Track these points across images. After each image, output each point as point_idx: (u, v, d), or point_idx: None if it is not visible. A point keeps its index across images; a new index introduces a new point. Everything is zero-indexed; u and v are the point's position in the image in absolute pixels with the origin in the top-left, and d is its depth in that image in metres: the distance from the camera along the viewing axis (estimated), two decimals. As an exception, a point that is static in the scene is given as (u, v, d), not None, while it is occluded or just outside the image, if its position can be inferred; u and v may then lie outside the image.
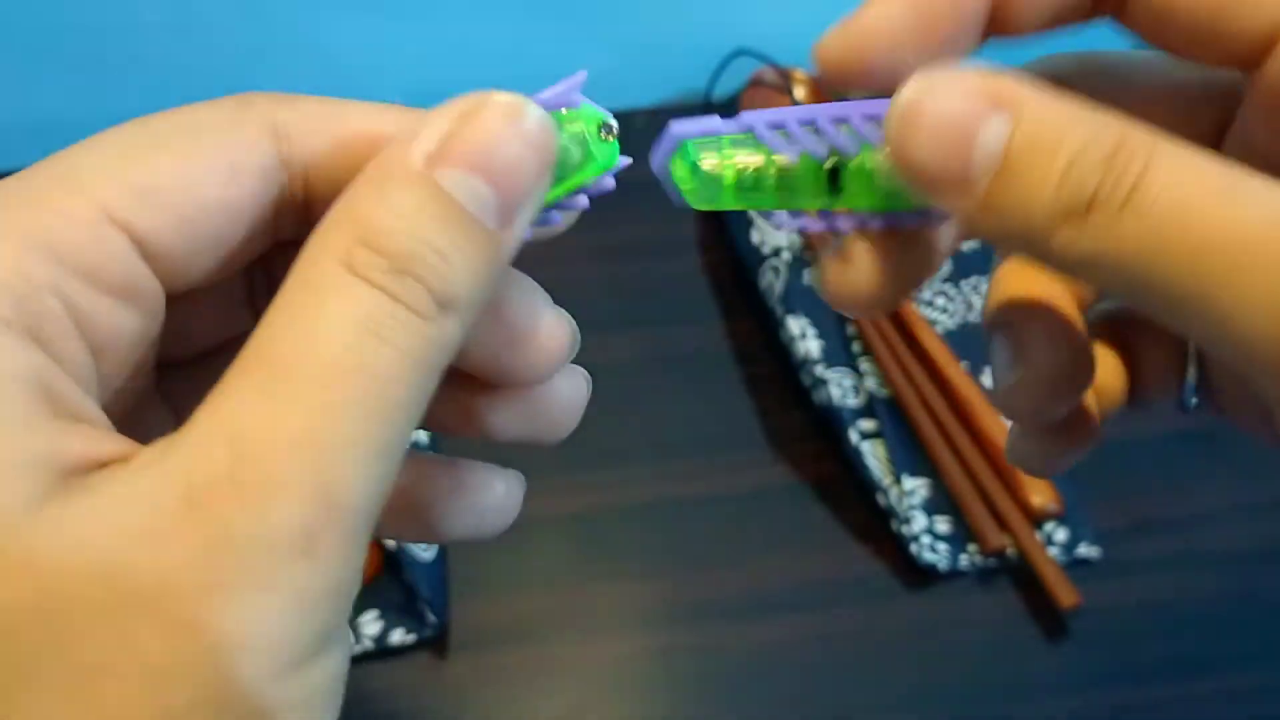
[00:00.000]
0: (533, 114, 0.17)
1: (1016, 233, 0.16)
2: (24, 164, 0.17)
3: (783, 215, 0.19)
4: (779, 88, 0.60)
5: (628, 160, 0.19)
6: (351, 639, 0.47)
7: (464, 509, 0.21)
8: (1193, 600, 0.47)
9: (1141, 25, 0.19)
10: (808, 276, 0.56)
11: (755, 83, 0.61)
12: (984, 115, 0.16)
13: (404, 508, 0.21)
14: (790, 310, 0.53)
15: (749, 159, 0.19)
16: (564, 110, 0.18)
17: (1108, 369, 0.24)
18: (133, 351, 0.18)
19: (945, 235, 0.21)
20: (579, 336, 0.21)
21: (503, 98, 0.17)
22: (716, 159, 0.19)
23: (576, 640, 0.46)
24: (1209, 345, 0.16)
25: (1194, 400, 0.23)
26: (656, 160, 0.19)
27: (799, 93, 0.62)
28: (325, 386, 0.15)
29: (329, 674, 0.15)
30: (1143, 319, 0.23)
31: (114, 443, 0.15)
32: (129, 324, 0.17)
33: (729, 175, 0.19)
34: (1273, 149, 0.19)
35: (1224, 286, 0.15)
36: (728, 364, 0.55)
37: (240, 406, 0.15)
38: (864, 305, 0.20)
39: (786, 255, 0.54)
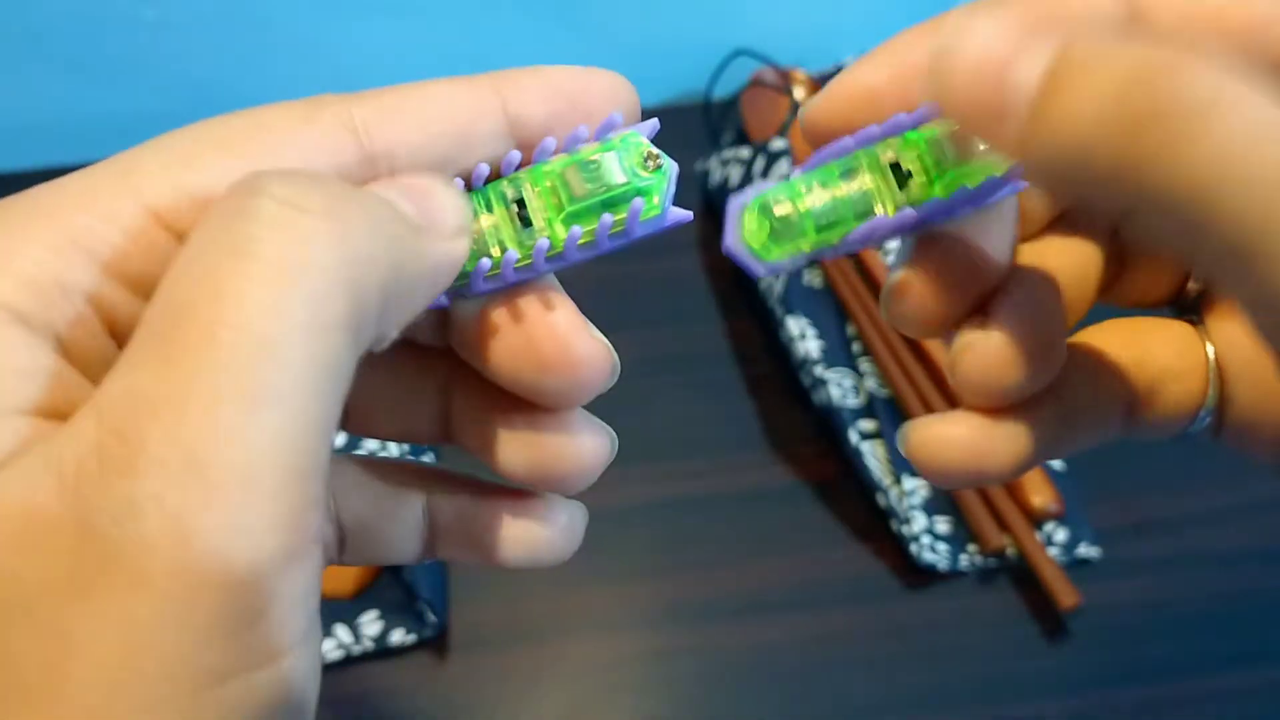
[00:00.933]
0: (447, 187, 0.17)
1: (1063, 160, 0.15)
2: (23, 164, 0.17)
3: (858, 235, 0.19)
4: (778, 88, 0.60)
5: (685, 214, 0.19)
6: (353, 638, 0.46)
7: (526, 538, 0.21)
8: (1193, 600, 0.47)
9: None
10: (807, 277, 0.56)
11: (755, 83, 0.61)
12: (1024, 40, 0.15)
13: (464, 536, 0.21)
14: (790, 310, 0.53)
15: (818, 195, 0.19)
16: (613, 137, 0.19)
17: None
18: None
19: (999, 244, 0.20)
20: (618, 366, 0.20)
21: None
22: (788, 202, 0.19)
23: (576, 640, 0.46)
24: (1261, 306, 0.14)
25: (1206, 420, 0.23)
26: (728, 235, 0.19)
27: (799, 93, 0.62)
28: (184, 330, 0.13)
29: (279, 688, 0.13)
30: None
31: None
32: None
33: (805, 214, 0.19)
34: None
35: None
36: (728, 364, 0.55)
37: (114, 374, 0.13)
38: (930, 328, 0.20)
39: (792, 269, 0.54)
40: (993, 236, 0.20)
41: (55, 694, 0.12)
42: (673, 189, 0.19)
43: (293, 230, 0.14)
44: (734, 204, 0.19)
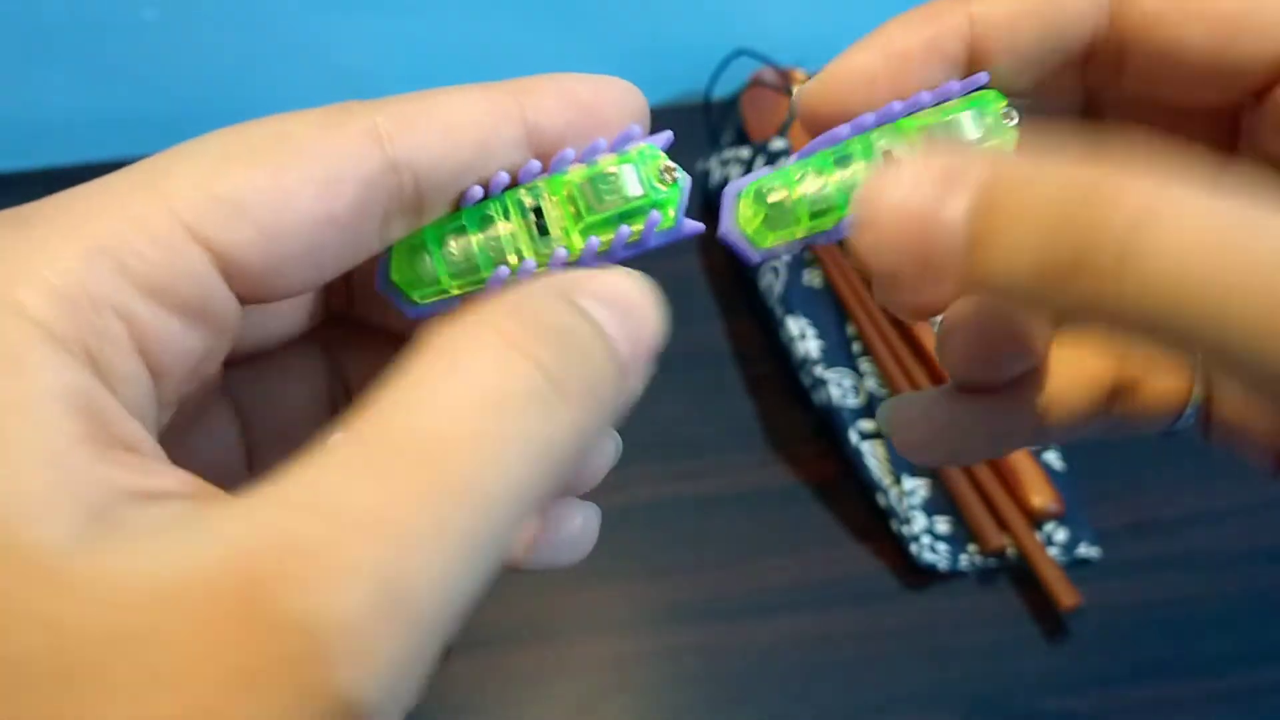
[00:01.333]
0: (645, 281, 0.18)
1: (1009, 299, 0.16)
2: (25, 164, 0.17)
3: (850, 221, 0.19)
4: (779, 88, 0.60)
5: (697, 225, 0.19)
6: None
7: (543, 541, 0.21)
8: (1193, 600, 0.47)
9: (1142, 76, 0.20)
10: (807, 277, 0.56)
11: (755, 83, 0.61)
12: (940, 197, 0.15)
13: None
14: (790, 310, 0.53)
15: (812, 182, 0.20)
16: (629, 147, 0.19)
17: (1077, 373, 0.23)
18: (199, 369, 0.17)
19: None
20: (619, 453, 0.21)
21: (621, 270, 0.17)
22: (783, 189, 0.20)
23: (576, 640, 0.46)
24: (1236, 378, 0.15)
25: (1192, 418, 0.23)
26: (723, 222, 0.20)
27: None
28: (423, 462, 0.13)
29: None
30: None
31: (164, 474, 0.15)
32: (198, 344, 0.16)
33: (799, 200, 0.20)
34: None
35: (1247, 330, 0.13)
36: (728, 364, 0.55)
37: (320, 475, 0.13)
38: (919, 313, 0.21)
39: (786, 256, 0.54)
40: None
41: None
42: (686, 201, 0.19)
43: (549, 416, 0.14)
44: (729, 190, 0.20)
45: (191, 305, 0.16)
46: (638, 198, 0.19)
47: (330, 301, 0.22)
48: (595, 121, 0.19)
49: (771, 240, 0.20)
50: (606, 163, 0.19)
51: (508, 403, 0.14)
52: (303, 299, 0.21)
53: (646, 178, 0.19)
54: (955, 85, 0.20)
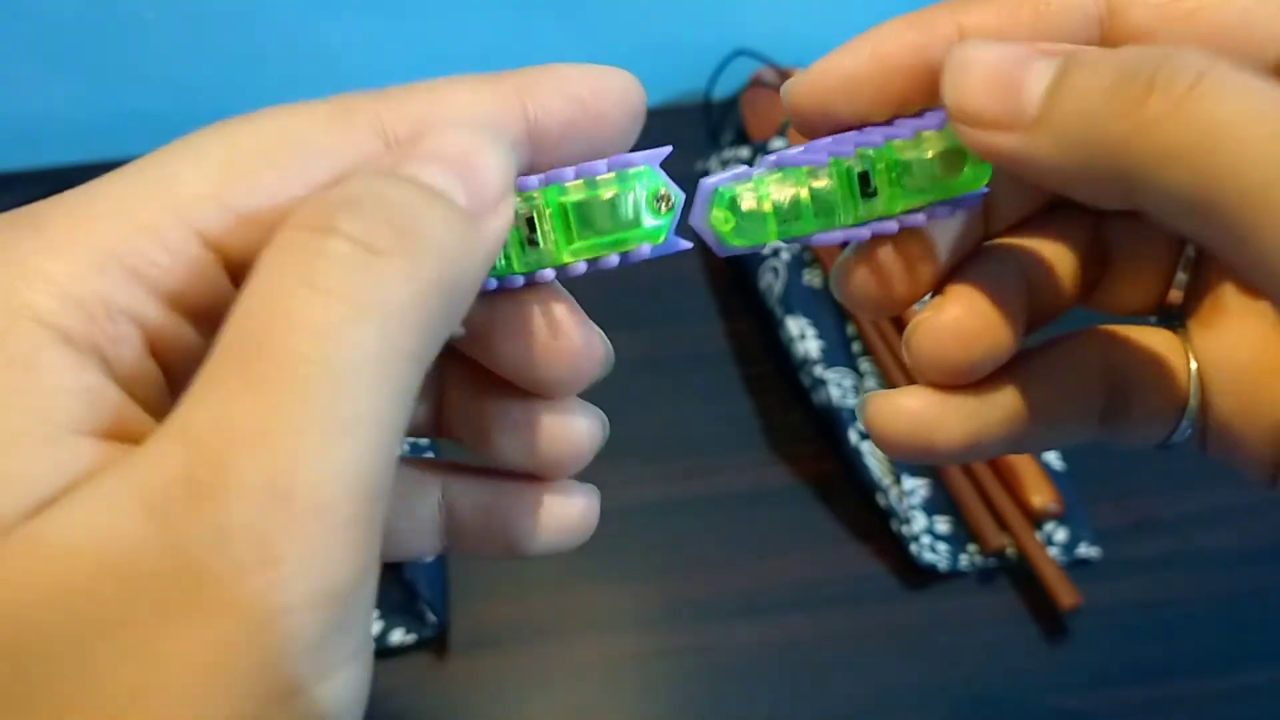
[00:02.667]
0: (486, 130, 0.17)
1: (1068, 146, 0.16)
2: (23, 163, 0.17)
3: (816, 239, 0.20)
4: (778, 88, 0.60)
5: (686, 244, 0.20)
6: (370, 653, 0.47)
7: (544, 525, 0.21)
8: (1193, 600, 0.47)
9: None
10: (807, 277, 0.56)
11: (755, 83, 0.61)
12: (1032, 57, 0.17)
13: (484, 527, 0.21)
14: (789, 311, 0.53)
15: (784, 190, 0.20)
16: (629, 170, 0.19)
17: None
18: None
19: (944, 235, 0.21)
20: (613, 358, 0.21)
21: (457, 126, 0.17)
22: (754, 197, 0.20)
23: (576, 640, 0.46)
24: (1250, 268, 0.15)
25: (1188, 431, 0.23)
26: (695, 214, 0.20)
27: (799, 93, 0.62)
28: (266, 361, 0.13)
29: (341, 695, 0.14)
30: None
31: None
32: (203, 342, 0.16)
33: (769, 209, 0.20)
34: None
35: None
36: (728, 364, 0.55)
37: (195, 400, 0.14)
38: (879, 306, 0.21)
39: (785, 256, 0.54)
40: (940, 228, 0.21)
41: (144, 713, 0.13)
42: (678, 218, 0.19)
43: (366, 272, 0.14)
44: (705, 185, 0.20)
45: (204, 309, 0.16)
46: (631, 225, 0.19)
47: None
48: (596, 119, 0.19)
49: (740, 243, 0.20)
50: (605, 186, 0.19)
51: (317, 279, 0.14)
52: None
53: (642, 205, 0.19)
54: (937, 116, 0.20)
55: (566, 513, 0.22)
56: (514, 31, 0.64)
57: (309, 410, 0.13)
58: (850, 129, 0.20)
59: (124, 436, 0.15)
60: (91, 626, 0.13)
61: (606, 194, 0.19)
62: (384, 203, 0.15)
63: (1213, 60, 0.15)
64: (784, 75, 0.61)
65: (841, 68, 0.20)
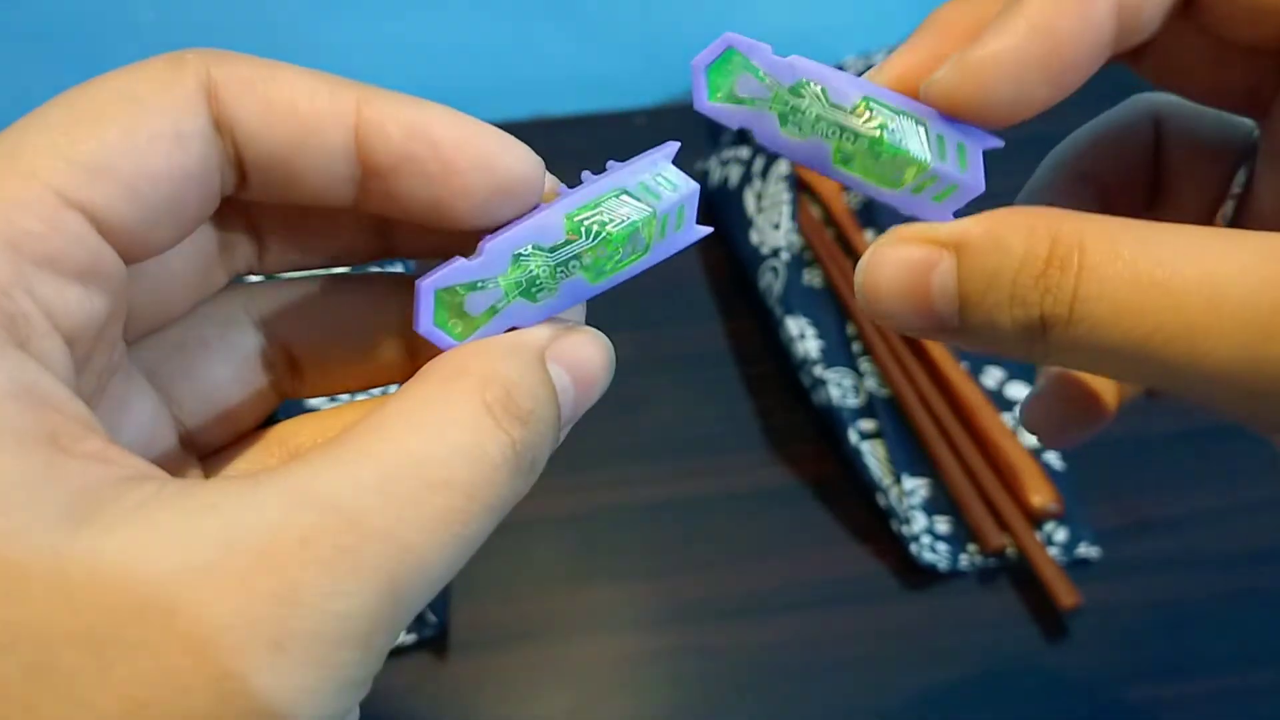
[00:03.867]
0: (609, 345, 0.20)
1: (1004, 352, 0.18)
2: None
3: (798, 147, 0.20)
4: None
5: (706, 229, 0.21)
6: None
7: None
8: (1193, 600, 0.47)
9: (1210, 10, 0.19)
10: (807, 277, 0.56)
11: (755, 83, 0.61)
12: (930, 263, 0.18)
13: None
14: (789, 311, 0.53)
15: (810, 102, 0.20)
16: (657, 187, 0.20)
17: None
18: (101, 333, 0.17)
19: None
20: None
21: (591, 329, 0.20)
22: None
23: (576, 640, 0.46)
24: (1210, 402, 0.17)
25: None
26: (703, 56, 0.20)
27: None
28: (433, 500, 0.15)
29: None
30: None
31: (120, 457, 0.15)
32: (96, 306, 0.17)
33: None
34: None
35: (1189, 349, 0.16)
36: (728, 364, 0.55)
37: (341, 483, 0.15)
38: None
39: (785, 256, 0.54)
40: None
41: None
42: (694, 209, 0.20)
43: (505, 485, 0.17)
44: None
45: (83, 269, 0.16)
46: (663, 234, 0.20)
47: (233, 264, 0.21)
48: (437, 163, 0.18)
49: (719, 96, 0.20)
50: (635, 210, 0.20)
51: (485, 465, 0.16)
52: (201, 265, 0.21)
53: (672, 214, 0.20)
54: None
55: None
56: (514, 31, 0.64)
57: (444, 552, 0.16)
58: None
59: (62, 426, 0.15)
60: (184, 639, 0.13)
61: (640, 215, 0.20)
62: (539, 425, 0.18)
63: (1082, 223, 0.17)
64: (784, 75, 0.61)
65: (1002, 49, 0.18)
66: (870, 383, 0.52)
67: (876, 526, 0.49)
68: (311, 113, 0.18)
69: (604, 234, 0.19)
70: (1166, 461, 0.51)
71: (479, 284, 0.19)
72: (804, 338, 0.52)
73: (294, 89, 0.18)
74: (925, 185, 0.19)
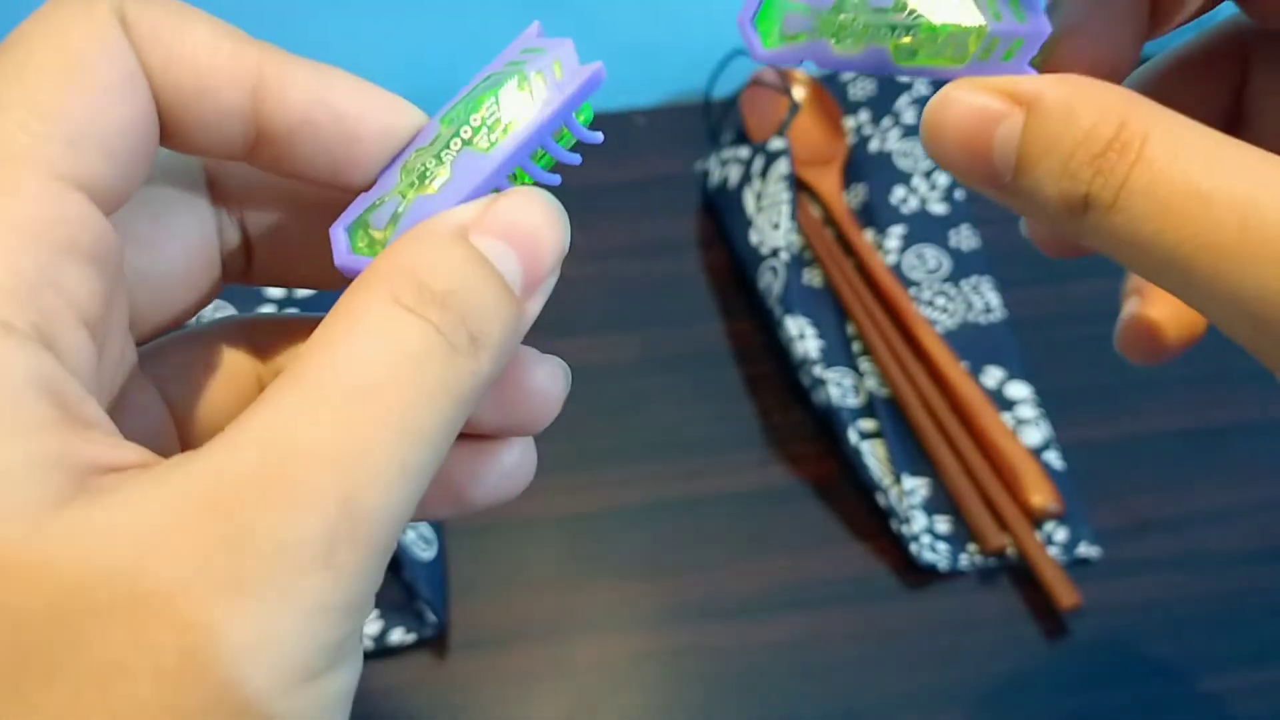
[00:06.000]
0: (552, 200, 0.18)
1: (1040, 220, 0.18)
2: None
3: (860, 59, 0.20)
4: (778, 88, 0.60)
5: (595, 65, 0.19)
6: (362, 654, 0.47)
7: (487, 472, 0.21)
8: (1193, 600, 0.47)
9: None
10: (807, 276, 0.56)
11: (755, 83, 0.61)
12: (999, 115, 0.18)
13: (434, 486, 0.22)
14: (789, 310, 0.53)
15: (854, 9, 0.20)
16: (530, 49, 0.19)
17: None
18: (109, 312, 0.17)
19: None
20: (569, 381, 0.21)
21: (523, 189, 0.18)
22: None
23: (576, 640, 0.46)
24: (1220, 323, 0.17)
25: None
26: (745, 11, 0.21)
27: (798, 93, 0.62)
28: (360, 406, 0.15)
29: (338, 689, 0.15)
30: None
31: (124, 448, 0.15)
32: (103, 286, 0.17)
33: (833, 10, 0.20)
34: None
35: (1212, 267, 0.16)
36: (728, 364, 0.55)
37: (273, 418, 0.15)
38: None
39: (785, 255, 0.54)
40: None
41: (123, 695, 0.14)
42: (573, 57, 0.20)
43: (444, 367, 0.16)
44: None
45: (94, 250, 0.16)
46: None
47: (229, 262, 0.21)
48: (339, 135, 0.18)
49: (780, 40, 0.21)
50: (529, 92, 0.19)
51: (402, 356, 0.16)
52: (202, 265, 0.21)
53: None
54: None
55: (506, 455, 0.21)
56: (513, 30, 0.64)
57: (386, 452, 0.15)
58: None
59: (74, 417, 0.15)
60: (145, 599, 0.14)
61: (509, 77, 0.19)
62: (467, 299, 0.17)
63: (1154, 115, 0.17)
64: (783, 75, 0.61)
65: (1074, 30, 0.20)
66: (870, 382, 0.52)
67: (876, 526, 0.49)
68: (210, 68, 0.17)
69: (478, 103, 0.19)
70: (1166, 461, 0.51)
71: (377, 203, 0.19)
72: (804, 337, 0.52)
73: (197, 41, 0.17)
74: (991, 49, 0.20)
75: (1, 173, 0.15)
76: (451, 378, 0.16)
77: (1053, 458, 0.50)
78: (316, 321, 0.21)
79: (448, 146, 0.19)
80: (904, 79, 0.21)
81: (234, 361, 0.22)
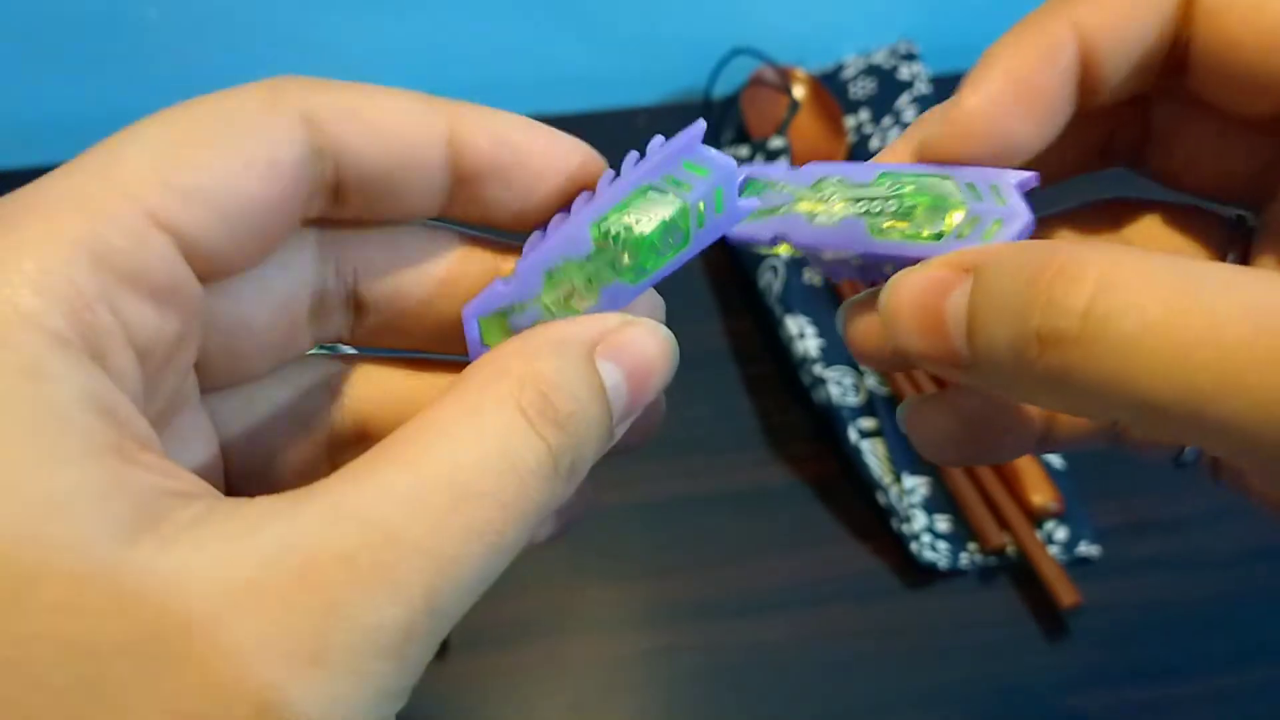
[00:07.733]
0: (670, 336, 0.19)
1: (999, 388, 0.17)
2: (25, 161, 0.17)
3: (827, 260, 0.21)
4: (778, 86, 0.60)
5: (751, 203, 0.20)
6: None
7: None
8: (1193, 600, 0.47)
9: (1201, 79, 0.20)
10: (806, 275, 0.56)
11: (755, 81, 0.61)
12: (949, 284, 0.18)
13: None
14: (789, 309, 0.53)
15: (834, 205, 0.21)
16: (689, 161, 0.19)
17: None
18: (172, 353, 0.17)
19: None
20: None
21: (649, 321, 0.19)
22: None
23: (576, 640, 0.46)
24: (1208, 448, 0.16)
25: (1194, 455, 0.23)
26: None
27: (798, 92, 0.62)
28: (464, 514, 0.16)
29: None
30: None
31: (179, 475, 0.15)
32: (171, 327, 0.17)
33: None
34: None
35: (1215, 395, 0.14)
36: (728, 364, 0.55)
37: (380, 500, 0.15)
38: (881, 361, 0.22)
39: (785, 255, 0.54)
40: None
41: None
42: (734, 188, 0.19)
43: (540, 490, 0.17)
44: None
45: (162, 289, 0.16)
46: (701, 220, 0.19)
47: (324, 328, 0.22)
48: (522, 169, 0.19)
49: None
50: (667, 204, 0.19)
51: (518, 473, 0.16)
52: (289, 325, 0.21)
53: (709, 200, 0.19)
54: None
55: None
56: (514, 29, 0.64)
57: (474, 564, 0.16)
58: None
59: (129, 439, 0.15)
60: (227, 655, 0.14)
61: (671, 209, 0.19)
62: (582, 428, 0.17)
63: (1106, 272, 0.15)
64: (784, 73, 0.61)
65: (984, 102, 0.19)
66: (870, 381, 0.52)
67: (876, 525, 0.49)
68: (412, 133, 0.19)
69: (634, 236, 0.19)
70: (1166, 461, 0.51)
71: (518, 306, 0.20)
72: (804, 336, 0.52)
73: (393, 111, 0.19)
74: (968, 228, 0.19)
75: (98, 200, 0.16)
76: (545, 500, 0.17)
77: (1053, 457, 0.50)
78: (393, 365, 0.22)
79: (601, 275, 0.19)
80: (876, 257, 0.20)
81: (295, 402, 0.22)
